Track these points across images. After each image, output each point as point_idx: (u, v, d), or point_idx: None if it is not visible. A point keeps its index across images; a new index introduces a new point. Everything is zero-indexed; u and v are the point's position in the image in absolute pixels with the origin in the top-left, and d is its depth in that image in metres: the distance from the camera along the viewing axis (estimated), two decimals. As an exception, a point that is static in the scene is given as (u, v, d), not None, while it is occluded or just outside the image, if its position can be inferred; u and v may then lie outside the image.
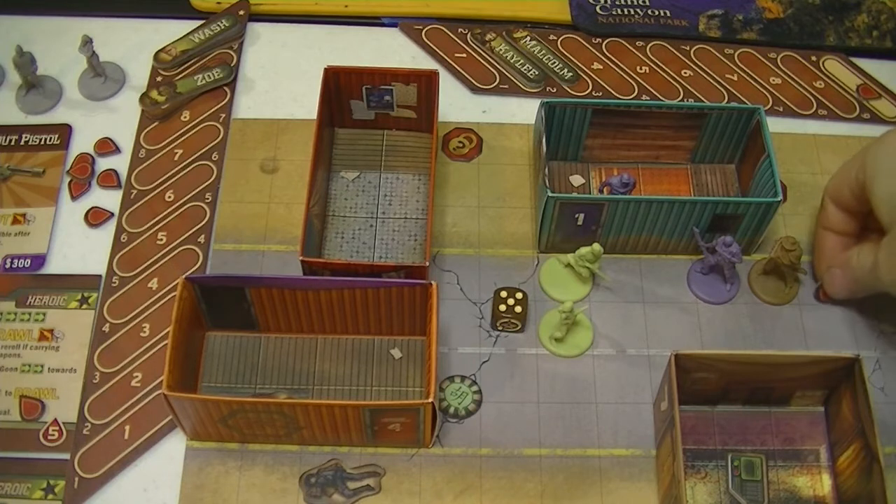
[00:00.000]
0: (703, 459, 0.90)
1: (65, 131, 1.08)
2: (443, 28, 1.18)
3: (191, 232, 1.01)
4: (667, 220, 0.95)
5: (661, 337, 0.96)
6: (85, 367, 0.93)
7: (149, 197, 1.03)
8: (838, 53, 1.18)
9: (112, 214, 1.02)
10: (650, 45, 1.17)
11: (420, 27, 1.18)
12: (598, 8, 1.19)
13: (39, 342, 0.95)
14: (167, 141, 1.07)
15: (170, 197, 1.03)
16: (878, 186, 0.87)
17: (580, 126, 1.02)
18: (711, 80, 1.14)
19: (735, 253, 0.94)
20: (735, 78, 1.15)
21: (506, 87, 1.13)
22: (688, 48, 1.17)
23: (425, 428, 0.86)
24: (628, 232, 0.97)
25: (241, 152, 1.07)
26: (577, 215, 0.95)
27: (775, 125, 1.07)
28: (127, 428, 0.90)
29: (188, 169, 1.05)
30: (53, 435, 0.90)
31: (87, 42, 1.07)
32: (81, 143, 1.07)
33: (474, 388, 0.93)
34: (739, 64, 1.16)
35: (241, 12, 1.17)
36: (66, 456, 0.89)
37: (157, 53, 1.13)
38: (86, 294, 0.97)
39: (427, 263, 0.90)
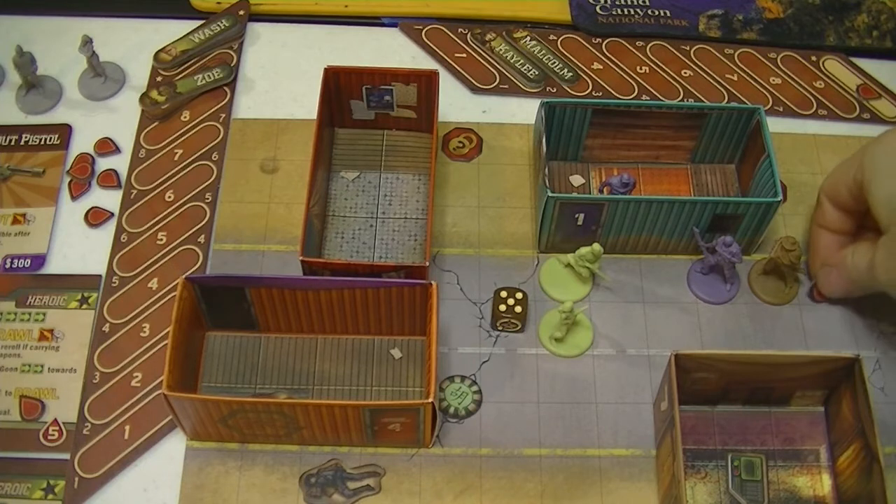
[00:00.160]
0: (703, 459, 0.90)
1: (65, 131, 1.08)
2: (443, 28, 1.18)
3: (191, 232, 1.01)
4: (667, 220, 0.95)
5: (661, 337, 0.96)
6: (85, 367, 0.93)
7: (149, 197, 1.03)
8: (838, 53, 1.18)
9: (112, 214, 1.02)
10: (650, 45, 1.17)
11: (420, 27, 1.18)
12: (598, 8, 1.19)
13: (39, 342, 0.95)
14: (167, 141, 1.07)
15: (170, 197, 1.03)
16: (876, 187, 0.87)
17: (580, 126, 1.02)
18: (711, 80, 1.14)
19: (735, 253, 0.94)
20: (735, 78, 1.15)
21: (506, 87, 1.13)
22: (688, 48, 1.17)
23: (425, 428, 0.86)
24: (628, 232, 0.97)
25: (241, 152, 1.07)
26: (577, 215, 0.95)
27: (775, 125, 1.07)
28: (127, 428, 0.90)
29: (188, 169, 1.05)
30: (53, 435, 0.90)
31: (87, 42, 1.07)
32: (81, 143, 1.07)
33: (474, 388, 0.93)
34: (739, 64, 1.16)
35: (241, 12, 1.17)
36: (66, 456, 0.89)
37: (157, 53, 1.13)
38: (86, 294, 0.97)
39: (427, 263, 0.90)
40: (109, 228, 1.01)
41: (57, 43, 1.14)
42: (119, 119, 1.09)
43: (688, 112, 1.00)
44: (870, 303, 0.98)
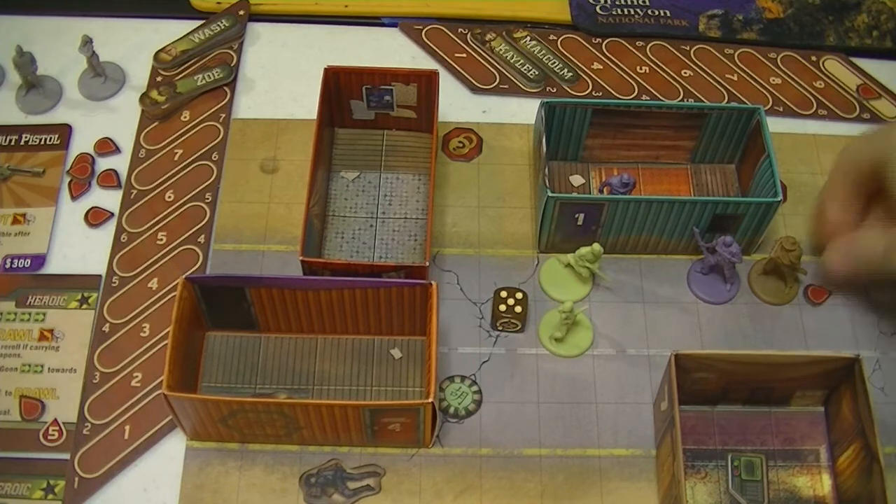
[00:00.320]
0: (703, 459, 0.90)
1: (65, 131, 1.08)
2: (443, 28, 1.18)
3: (191, 232, 1.01)
4: (667, 220, 0.95)
5: (661, 337, 0.96)
6: (85, 367, 0.93)
7: (149, 197, 1.03)
8: (838, 53, 1.18)
9: (112, 214, 1.02)
10: (650, 45, 1.17)
11: (420, 27, 1.18)
12: (598, 8, 1.19)
13: (39, 342, 0.95)
14: (167, 141, 1.07)
15: (170, 197, 1.03)
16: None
17: (580, 126, 1.02)
18: (711, 80, 1.14)
19: (735, 253, 0.94)
20: (735, 78, 1.15)
21: (506, 87, 1.13)
22: (688, 48, 1.17)
23: (425, 428, 0.86)
24: (628, 232, 0.97)
25: (241, 152, 1.07)
26: (577, 215, 0.95)
27: (775, 125, 1.07)
28: (127, 428, 0.90)
29: (188, 169, 1.05)
30: (53, 435, 0.90)
31: (87, 42, 1.07)
32: (81, 143, 1.07)
33: (474, 388, 0.93)
34: (739, 64, 1.16)
35: (241, 12, 1.17)
36: (66, 456, 0.89)
37: (157, 53, 1.13)
38: (86, 294, 0.97)
39: (427, 263, 0.90)
40: (109, 228, 1.01)
41: (57, 43, 1.14)
42: (119, 119, 1.09)
43: (688, 112, 1.00)
44: (869, 303, 0.98)
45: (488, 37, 1.17)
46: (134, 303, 0.96)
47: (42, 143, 1.07)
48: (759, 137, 0.98)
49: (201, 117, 1.09)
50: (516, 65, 1.15)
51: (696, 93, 1.13)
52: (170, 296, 0.97)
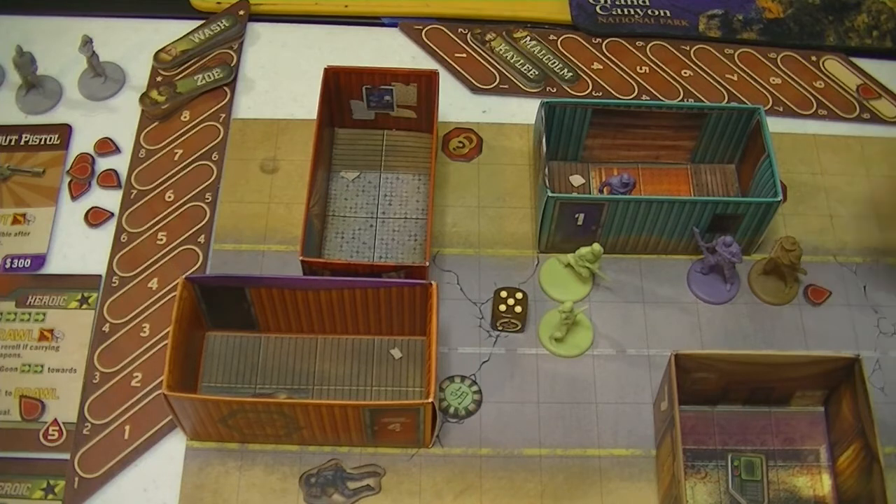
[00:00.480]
0: (703, 459, 0.90)
1: (65, 131, 1.08)
2: (443, 28, 1.18)
3: (191, 232, 1.01)
4: (667, 220, 0.95)
5: (661, 337, 0.96)
6: (85, 367, 0.93)
7: (149, 197, 1.03)
8: (838, 53, 1.18)
9: (112, 214, 1.02)
10: (650, 45, 1.17)
11: (420, 27, 1.18)
12: (598, 8, 1.19)
13: (39, 342, 0.94)
14: (167, 141, 1.07)
15: (170, 197, 1.03)
16: None
17: (580, 126, 1.02)
18: (711, 80, 1.14)
19: (735, 253, 0.94)
20: (735, 78, 1.15)
21: (506, 87, 1.13)
22: (688, 48, 1.17)
23: (425, 428, 0.86)
24: (628, 232, 0.97)
25: (241, 152, 1.07)
26: (577, 215, 0.95)
27: (775, 125, 1.07)
28: (127, 428, 0.90)
29: (188, 169, 1.05)
30: (53, 435, 0.90)
31: (87, 42, 1.07)
32: (81, 143, 1.07)
33: (474, 388, 0.93)
34: (739, 64, 1.16)
35: (241, 12, 1.17)
36: (66, 456, 0.89)
37: (157, 53, 1.13)
38: (86, 294, 0.97)
39: (427, 263, 0.90)
40: (109, 228, 1.01)
41: (57, 43, 1.14)
42: (119, 119, 1.09)
43: (688, 112, 1.00)
44: (870, 303, 0.98)
45: (488, 37, 1.17)
46: (134, 303, 0.96)
47: (42, 143, 1.07)
48: (759, 137, 0.98)
49: (201, 117, 1.09)
50: (516, 65, 1.15)
51: (696, 93, 1.13)
52: (170, 296, 0.97)
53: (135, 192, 1.03)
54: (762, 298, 0.98)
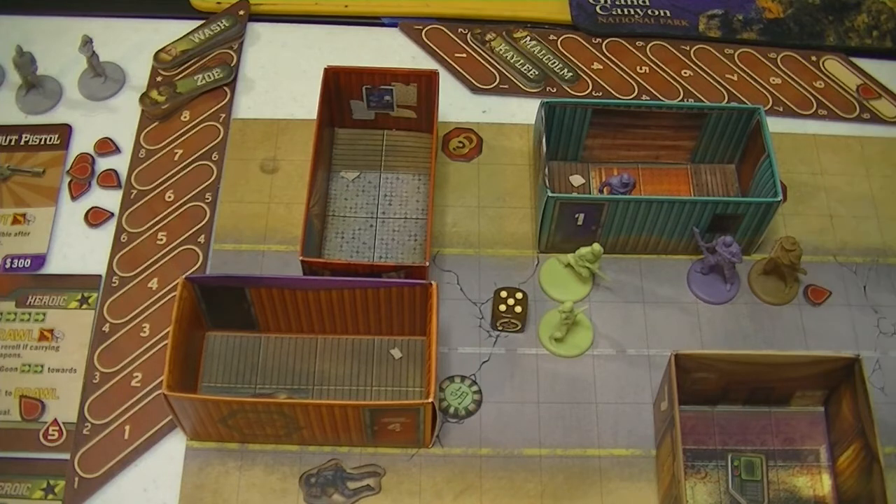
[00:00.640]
0: (703, 459, 0.90)
1: (65, 131, 1.08)
2: (443, 28, 1.18)
3: (191, 232, 1.01)
4: (667, 220, 0.95)
5: (661, 337, 0.96)
6: (85, 367, 0.93)
7: (149, 197, 1.03)
8: (838, 53, 1.18)
9: (112, 214, 1.02)
10: (650, 45, 1.17)
11: (420, 27, 1.18)
12: (598, 8, 1.19)
13: (39, 342, 0.94)
14: (167, 141, 1.07)
15: (170, 197, 1.03)
16: None
17: (580, 126, 1.02)
18: (711, 80, 1.14)
19: (735, 253, 0.94)
20: (735, 78, 1.15)
21: (506, 87, 1.13)
22: (688, 48, 1.17)
23: (425, 428, 0.86)
24: (628, 232, 0.97)
25: (241, 152, 1.07)
26: (577, 215, 0.95)
27: (775, 125, 1.07)
28: (127, 428, 0.90)
29: (188, 169, 1.05)
30: (53, 435, 0.90)
31: (87, 42, 1.07)
32: (81, 143, 1.07)
33: (474, 388, 0.93)
34: (739, 64, 1.16)
35: (241, 12, 1.17)
36: (66, 456, 0.89)
37: (157, 53, 1.13)
38: (86, 294, 0.97)
39: (427, 263, 0.90)
40: (109, 228, 1.01)
41: (57, 43, 1.14)
42: (119, 119, 1.09)
43: (688, 112, 1.00)
44: (870, 303, 0.98)
45: (488, 37, 1.17)
46: (134, 303, 0.96)
47: (42, 143, 1.07)
48: (759, 137, 0.98)
49: (201, 117, 1.09)
50: (516, 65, 1.15)
51: (696, 93, 1.13)
52: (170, 296, 0.97)
53: (135, 192, 1.03)
54: (762, 298, 0.98)
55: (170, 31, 1.15)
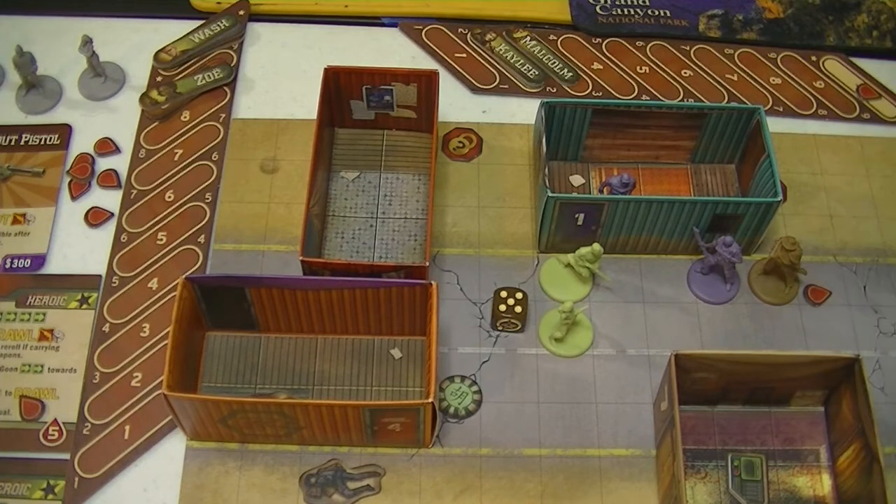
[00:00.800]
0: (703, 459, 0.90)
1: (65, 131, 1.08)
2: (443, 28, 1.18)
3: (191, 232, 1.01)
4: (667, 220, 0.95)
5: (661, 337, 0.96)
6: (85, 367, 0.93)
7: (149, 197, 1.03)
8: (838, 53, 1.18)
9: (112, 214, 1.02)
10: (650, 45, 1.17)
11: (420, 27, 1.18)
12: (598, 8, 1.19)
13: (39, 342, 0.95)
14: (167, 141, 1.07)
15: (170, 197, 1.03)
16: None
17: (580, 126, 1.02)
18: (711, 80, 1.14)
19: (735, 253, 0.94)
20: (735, 78, 1.15)
21: (506, 87, 1.13)
22: (688, 48, 1.17)
23: (425, 428, 0.86)
24: (628, 232, 0.97)
25: (241, 152, 1.07)
26: (577, 215, 0.95)
27: (775, 125, 1.07)
28: (127, 428, 0.90)
29: (188, 169, 1.05)
30: (53, 435, 0.90)
31: (87, 42, 1.07)
32: (81, 143, 1.07)
33: (474, 388, 0.93)
34: (739, 64, 1.16)
35: (241, 12, 1.17)
36: (66, 456, 0.89)
37: (157, 53, 1.13)
38: (86, 294, 0.97)
39: (427, 263, 0.90)
40: (109, 228, 1.01)
41: (57, 43, 1.14)
42: (119, 119, 1.09)
43: (688, 112, 1.00)
44: (870, 303, 0.98)
45: (488, 37, 1.17)
46: (134, 303, 0.96)
47: (42, 143, 1.07)
48: (759, 137, 0.98)
49: (201, 117, 1.09)
50: (516, 65, 1.15)
51: (696, 93, 1.13)
52: (170, 296, 0.97)
53: (135, 192, 1.03)
54: (762, 298, 0.98)
55: (170, 31, 1.15)
